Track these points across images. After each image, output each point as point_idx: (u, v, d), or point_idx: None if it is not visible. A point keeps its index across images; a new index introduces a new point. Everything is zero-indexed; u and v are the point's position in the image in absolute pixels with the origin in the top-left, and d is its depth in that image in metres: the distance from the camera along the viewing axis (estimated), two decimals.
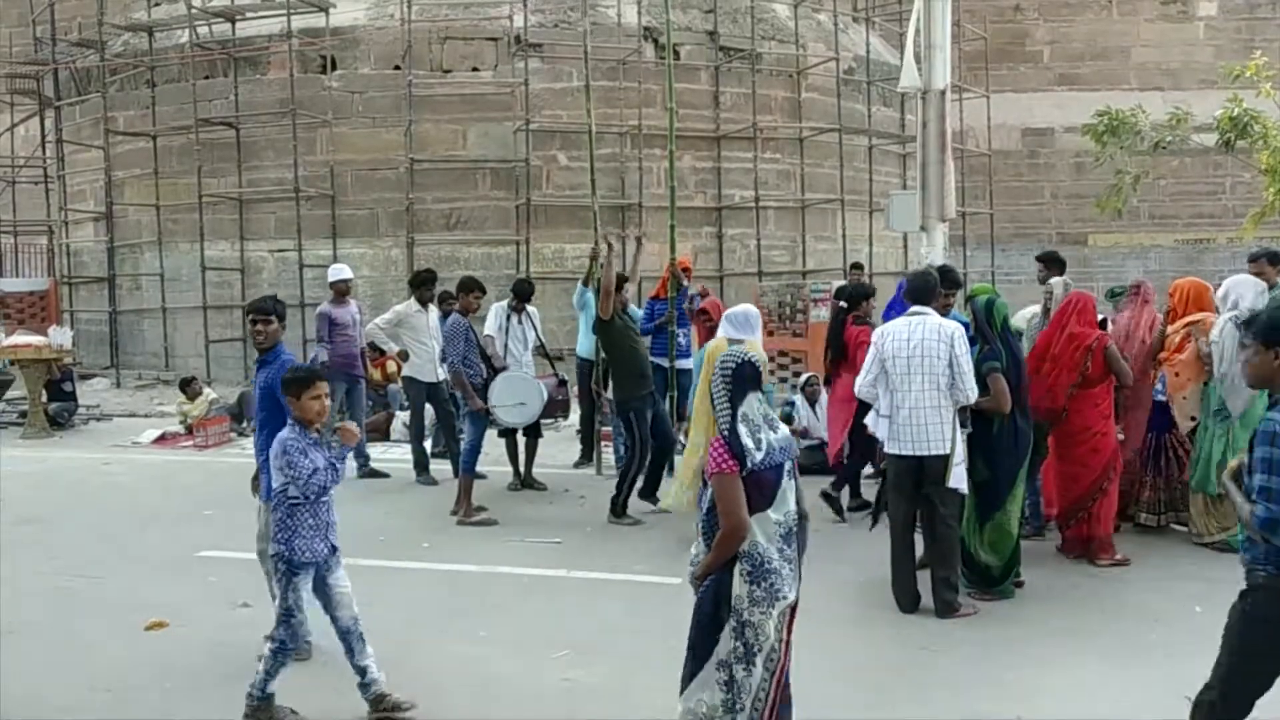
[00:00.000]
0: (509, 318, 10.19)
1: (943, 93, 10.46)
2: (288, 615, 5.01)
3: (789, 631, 3.98)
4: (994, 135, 21.37)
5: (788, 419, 10.35)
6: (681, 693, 4.12)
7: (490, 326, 10.23)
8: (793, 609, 4.00)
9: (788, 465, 3.95)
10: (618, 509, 8.59)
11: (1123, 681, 5.43)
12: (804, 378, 10.92)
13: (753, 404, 3.93)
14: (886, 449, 6.50)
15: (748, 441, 3.85)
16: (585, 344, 10.66)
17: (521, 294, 10.29)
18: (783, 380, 14.80)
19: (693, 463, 7.45)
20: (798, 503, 4.03)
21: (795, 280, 16.70)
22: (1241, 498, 3.67)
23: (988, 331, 6.66)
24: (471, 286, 9.47)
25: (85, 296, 19.02)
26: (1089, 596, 6.67)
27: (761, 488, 3.86)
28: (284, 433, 5.06)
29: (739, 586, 3.91)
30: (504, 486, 9.84)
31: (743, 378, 3.94)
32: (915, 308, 6.49)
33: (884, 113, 19.58)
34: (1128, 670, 5.56)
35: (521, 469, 9.91)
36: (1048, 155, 23.43)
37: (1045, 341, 7.38)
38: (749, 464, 3.84)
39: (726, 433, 3.90)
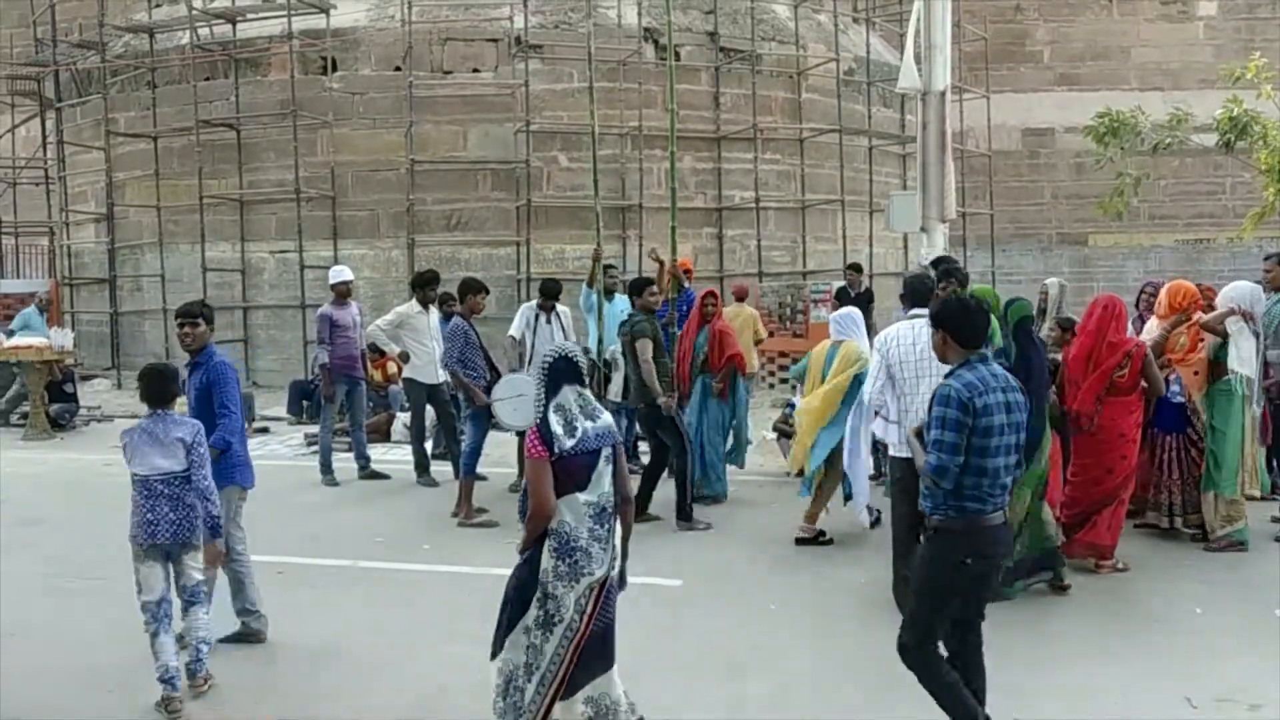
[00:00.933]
0: (537, 318, 10.08)
1: (942, 93, 10.47)
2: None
3: (596, 604, 4.26)
4: (994, 135, 21.37)
5: (786, 421, 10.34)
6: (492, 656, 4.42)
7: (515, 328, 10.17)
8: (604, 584, 4.28)
9: (605, 451, 4.28)
10: (686, 514, 8.50)
11: (1122, 683, 5.43)
12: None
13: (568, 396, 4.29)
14: (893, 452, 6.51)
15: (558, 430, 4.22)
16: (592, 346, 10.63)
17: (548, 293, 10.12)
18: (784, 381, 14.83)
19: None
20: (619, 488, 4.37)
21: (796, 281, 16.73)
22: (921, 451, 4.35)
23: (1003, 329, 6.69)
24: (478, 288, 9.47)
25: (86, 298, 19.05)
26: (1090, 598, 6.68)
27: (572, 472, 4.21)
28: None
29: (546, 561, 4.25)
30: (505, 488, 9.84)
31: (556, 372, 4.32)
32: (915, 310, 6.51)
33: (884, 113, 19.58)
34: (1128, 671, 5.57)
35: None
36: (1048, 155, 23.44)
37: (1086, 350, 7.29)
38: (558, 450, 4.20)
39: (539, 421, 4.30)
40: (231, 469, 5.83)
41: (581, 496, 4.21)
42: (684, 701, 5.18)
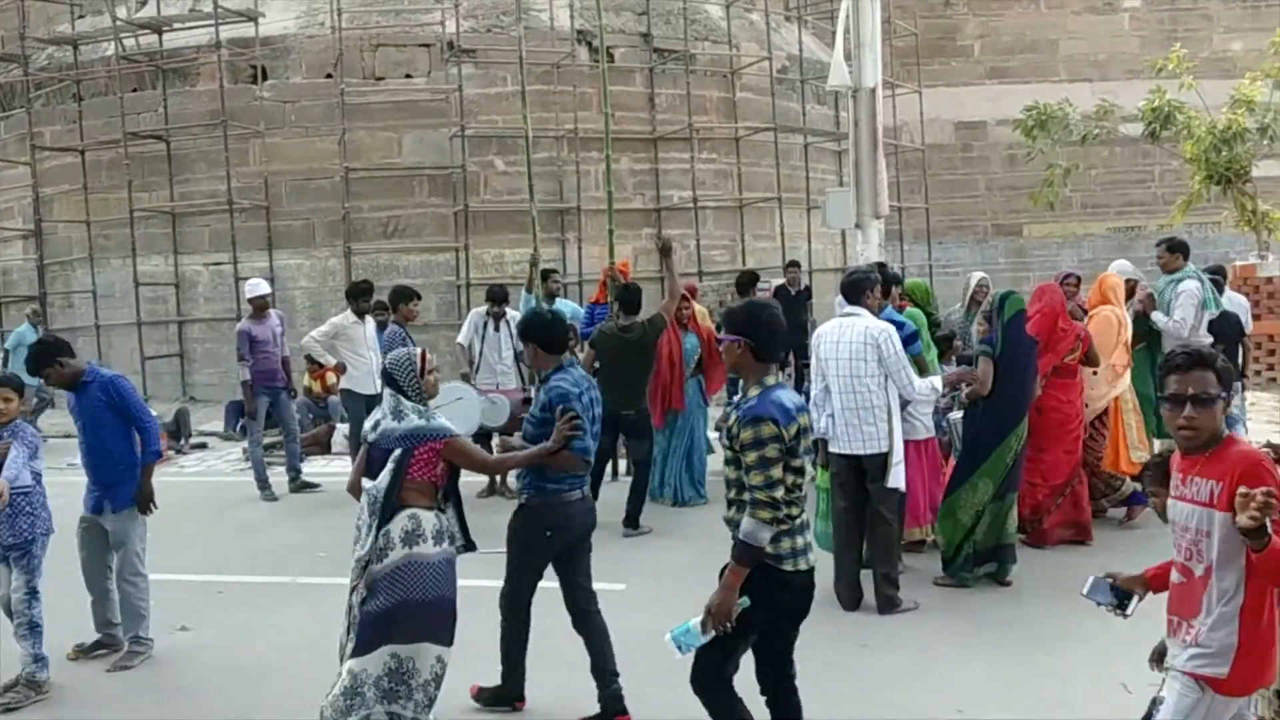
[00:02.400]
0: (486, 325, 10.01)
1: (873, 91, 10.54)
2: None
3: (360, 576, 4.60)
4: (927, 130, 21.59)
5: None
6: None
7: (464, 335, 10.10)
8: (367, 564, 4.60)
9: (397, 452, 4.58)
10: (635, 521, 8.49)
11: (1060, 670, 5.51)
12: None
13: (386, 395, 4.76)
14: (833, 448, 6.56)
15: (368, 425, 4.78)
16: None
17: (495, 299, 10.06)
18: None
19: None
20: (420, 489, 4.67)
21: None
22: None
23: (994, 321, 6.92)
24: (409, 296, 9.41)
25: (16, 316, 18.60)
26: (1028, 586, 6.77)
27: (371, 461, 4.69)
28: None
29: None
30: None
31: (381, 377, 4.85)
32: (848, 308, 6.56)
33: (819, 110, 19.71)
34: (1065, 660, 5.65)
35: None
36: (981, 148, 23.72)
37: (1045, 335, 7.44)
38: (364, 439, 4.77)
39: None
40: (134, 484, 6.14)
41: (365, 483, 4.64)
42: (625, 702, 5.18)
